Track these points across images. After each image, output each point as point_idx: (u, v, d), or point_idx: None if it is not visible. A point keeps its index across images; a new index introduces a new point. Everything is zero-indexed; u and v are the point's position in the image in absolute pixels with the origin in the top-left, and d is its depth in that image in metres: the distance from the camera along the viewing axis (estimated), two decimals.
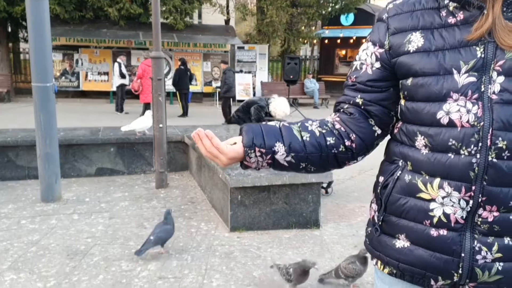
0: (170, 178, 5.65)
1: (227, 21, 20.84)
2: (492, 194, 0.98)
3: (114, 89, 14.37)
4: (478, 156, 0.97)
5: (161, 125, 5.21)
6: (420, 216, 1.06)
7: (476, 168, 0.98)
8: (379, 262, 1.19)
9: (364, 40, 1.21)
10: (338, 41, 20.43)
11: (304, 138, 1.15)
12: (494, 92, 0.96)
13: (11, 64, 18.44)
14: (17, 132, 6.07)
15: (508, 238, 1.01)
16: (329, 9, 19.00)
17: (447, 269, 1.04)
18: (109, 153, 5.93)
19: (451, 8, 1.03)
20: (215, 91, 17.13)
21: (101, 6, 15.92)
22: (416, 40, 1.05)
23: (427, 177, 1.05)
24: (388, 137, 1.22)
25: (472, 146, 0.97)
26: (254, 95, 17.76)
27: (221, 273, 3.34)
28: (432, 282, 1.08)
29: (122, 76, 13.89)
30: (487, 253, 1.01)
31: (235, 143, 1.14)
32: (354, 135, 1.17)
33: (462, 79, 0.98)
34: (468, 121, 0.98)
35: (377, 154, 1.31)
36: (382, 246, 1.16)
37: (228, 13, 20.52)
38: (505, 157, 0.96)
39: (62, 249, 3.70)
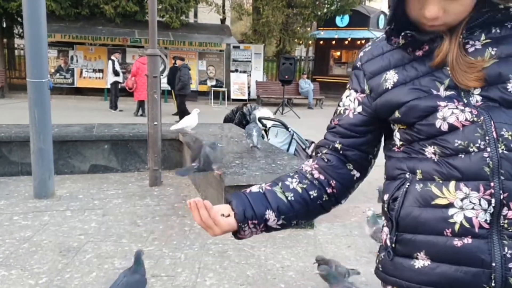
0: (164, 176, 5.63)
1: (222, 20, 20.83)
2: None
3: (109, 86, 14.33)
4: (488, 149, 0.94)
5: (155, 123, 5.19)
6: (439, 226, 0.98)
7: (490, 162, 0.94)
8: None
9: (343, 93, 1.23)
10: (333, 42, 20.49)
11: (289, 198, 1.17)
12: (477, 101, 0.98)
13: (5, 60, 18.33)
14: (10, 127, 6.03)
15: None
16: (325, 10, 19.07)
17: (477, 283, 0.95)
18: (103, 150, 5.90)
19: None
20: (210, 90, 17.13)
21: (97, 3, 15.88)
22: (391, 77, 1.08)
23: (440, 181, 1.00)
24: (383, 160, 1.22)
25: (479, 141, 0.95)
26: (249, 94, 17.80)
27: (214, 271, 3.33)
28: None
29: (116, 73, 13.85)
30: None
31: (228, 215, 1.14)
32: (334, 182, 1.20)
33: (443, 93, 1.01)
34: (466, 119, 0.97)
35: None
36: (398, 269, 1.06)
37: (224, 12, 20.51)
38: None
39: (55, 245, 3.67)
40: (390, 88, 1.08)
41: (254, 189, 1.20)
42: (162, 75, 16.88)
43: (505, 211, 0.93)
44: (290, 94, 17.07)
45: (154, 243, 3.81)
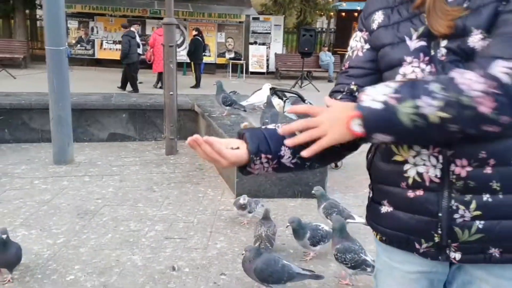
0: (179, 145, 5.72)
1: None
2: (459, 147, 0.98)
3: None
4: None
5: (171, 93, 5.25)
6: (397, 179, 1.08)
7: None
8: (373, 230, 1.22)
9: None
10: (355, 14, 20.04)
11: None
12: (442, 55, 1.01)
13: (27, 30, 18.51)
14: (31, 95, 6.18)
15: (487, 195, 0.99)
16: None
17: (427, 230, 1.05)
18: (121, 119, 6.01)
19: None
20: (228, 63, 17.07)
21: None
22: (377, 18, 1.14)
23: None
24: None
25: None
26: (267, 67, 17.67)
27: (225, 235, 3.42)
28: (417, 246, 1.08)
29: (137, 45, 13.85)
30: (464, 212, 1.00)
31: (237, 148, 1.10)
32: None
33: (414, 43, 1.04)
34: None
35: None
36: (372, 213, 1.19)
37: None
38: None
39: (73, 208, 3.81)
40: (375, 28, 1.14)
41: (270, 126, 1.18)
42: (180, 47, 16.87)
43: (452, 167, 1.01)
44: (310, 67, 16.85)
45: (169, 207, 3.92)
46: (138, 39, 14.05)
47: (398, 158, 1.07)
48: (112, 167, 4.98)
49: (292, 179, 4.22)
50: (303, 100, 7.00)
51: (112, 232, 3.41)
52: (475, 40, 0.97)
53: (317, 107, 1.05)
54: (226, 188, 4.42)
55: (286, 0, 17.56)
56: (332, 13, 20.75)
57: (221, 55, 17.81)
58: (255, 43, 17.89)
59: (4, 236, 2.61)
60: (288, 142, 1.04)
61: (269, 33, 18.11)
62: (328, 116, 1.00)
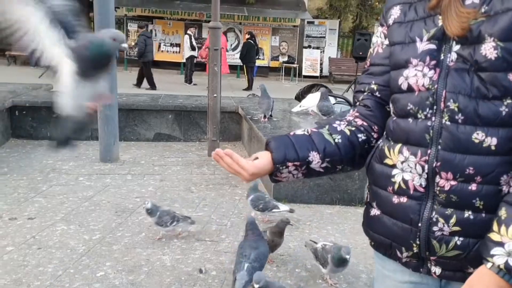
0: (222, 147, 5.61)
1: None
2: (446, 159, 0.95)
3: (185, 60, 14.69)
4: (433, 119, 0.97)
5: (215, 95, 5.28)
6: (385, 182, 1.07)
7: (431, 131, 0.97)
8: (365, 234, 1.19)
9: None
10: None
11: (336, 140, 1.16)
12: (452, 60, 0.96)
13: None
14: None
15: (470, 212, 0.95)
16: None
17: (407, 239, 1.03)
18: (167, 119, 6.13)
19: None
20: (281, 66, 17.04)
21: None
22: (394, 13, 1.10)
23: (392, 142, 1.07)
24: None
25: (427, 109, 0.98)
26: (321, 71, 17.51)
27: None
28: (399, 254, 1.06)
29: (193, 48, 14.15)
30: (444, 225, 0.97)
31: (256, 158, 1.13)
32: (376, 127, 1.19)
33: (423, 46, 1.01)
34: (423, 85, 0.99)
35: None
36: (365, 217, 1.17)
37: None
38: (460, 121, 0.94)
39: (112, 206, 3.91)
40: (391, 24, 1.11)
41: (298, 131, 1.18)
42: (234, 51, 17.04)
43: (437, 178, 0.98)
44: None
45: (204, 209, 3.93)
46: (194, 42, 14.31)
47: (388, 161, 1.07)
48: (155, 166, 5.08)
49: (331, 186, 4.12)
50: (351, 105, 6.85)
51: (146, 231, 3.46)
52: (487, 48, 0.91)
53: None
54: (264, 192, 4.38)
55: (342, 4, 17.31)
56: None
57: (275, 58, 17.85)
58: (309, 47, 17.79)
59: None
60: None
61: (324, 37, 17.96)
62: None
